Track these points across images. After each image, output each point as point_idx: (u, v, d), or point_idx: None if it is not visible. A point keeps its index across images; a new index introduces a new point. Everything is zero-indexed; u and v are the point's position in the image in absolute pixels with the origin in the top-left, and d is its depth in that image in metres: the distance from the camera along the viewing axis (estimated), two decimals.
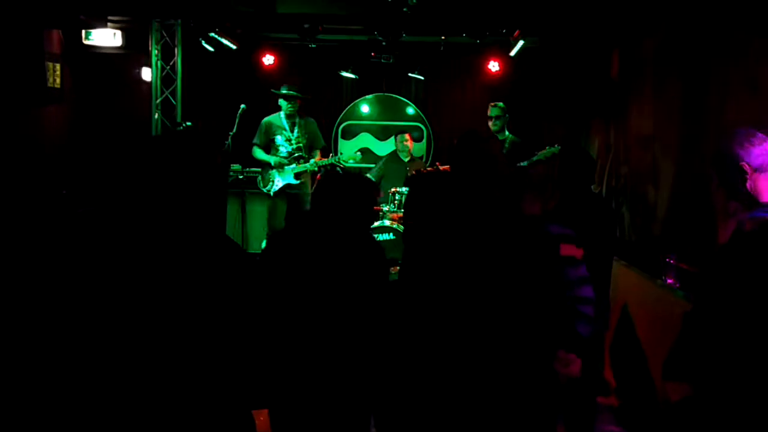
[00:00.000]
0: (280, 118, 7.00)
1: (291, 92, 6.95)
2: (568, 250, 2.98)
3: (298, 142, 6.93)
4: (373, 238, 3.19)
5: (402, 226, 7.06)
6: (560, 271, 2.74)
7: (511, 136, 6.95)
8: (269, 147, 7.02)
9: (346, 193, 2.77)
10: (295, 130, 6.95)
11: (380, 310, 2.66)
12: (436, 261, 2.14)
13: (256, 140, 7.03)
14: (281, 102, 6.97)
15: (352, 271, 2.73)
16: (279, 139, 6.94)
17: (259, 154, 7.00)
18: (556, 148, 6.28)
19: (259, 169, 7.27)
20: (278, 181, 6.97)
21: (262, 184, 7.06)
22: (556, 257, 2.65)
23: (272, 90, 7.25)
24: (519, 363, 2.15)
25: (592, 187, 4.32)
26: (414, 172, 7.73)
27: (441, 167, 7.26)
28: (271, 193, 6.99)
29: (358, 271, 2.74)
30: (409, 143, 8.02)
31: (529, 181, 3.22)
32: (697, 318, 2.19)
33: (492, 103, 7.04)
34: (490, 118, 6.92)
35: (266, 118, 7.11)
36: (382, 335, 2.21)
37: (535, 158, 6.38)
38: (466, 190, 2.40)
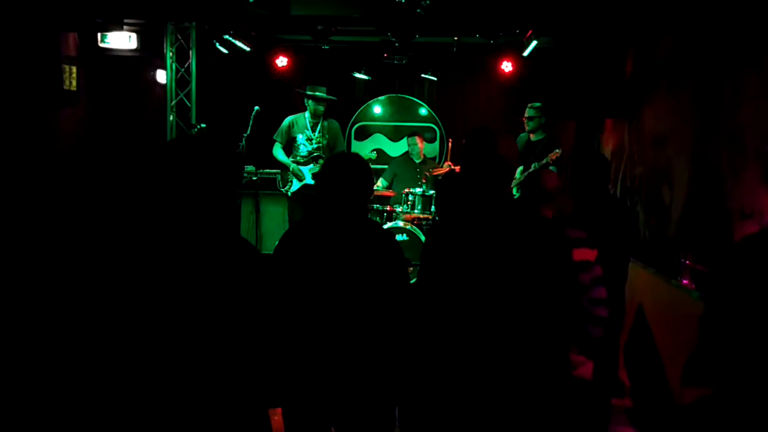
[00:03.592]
0: (304, 117, 7.01)
1: (318, 93, 6.95)
2: (581, 254, 2.96)
3: (318, 143, 6.93)
4: (380, 225, 3.18)
5: (416, 228, 7.08)
6: (574, 275, 2.73)
7: (546, 136, 6.80)
8: (290, 145, 7.04)
9: (341, 168, 2.79)
10: (317, 131, 6.95)
11: (397, 300, 2.66)
12: (453, 261, 2.15)
13: (277, 137, 7.03)
14: (307, 102, 6.98)
15: (364, 257, 2.71)
16: (300, 137, 6.95)
17: (278, 153, 7.00)
18: (558, 150, 6.27)
19: (274, 171, 7.29)
20: (296, 182, 6.99)
21: (280, 184, 7.07)
22: (570, 260, 2.64)
23: (298, 90, 7.24)
24: (532, 363, 2.15)
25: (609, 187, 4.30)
26: (428, 173, 7.75)
27: (453, 167, 7.27)
28: (289, 194, 7.00)
29: (371, 257, 2.73)
30: (420, 145, 8.02)
31: (543, 192, 3.21)
32: (720, 321, 2.17)
33: (529, 104, 6.94)
34: (525, 118, 6.86)
35: (291, 117, 7.12)
36: (402, 330, 2.22)
37: (544, 161, 6.37)
38: (475, 188, 2.39)
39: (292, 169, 6.89)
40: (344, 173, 2.77)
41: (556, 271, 2.32)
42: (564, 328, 2.32)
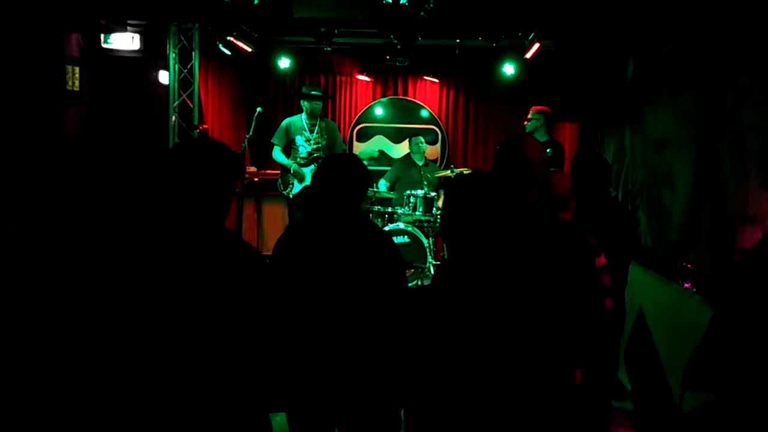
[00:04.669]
0: (301, 119, 7.02)
1: (313, 92, 6.97)
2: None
3: (317, 143, 6.94)
4: (377, 225, 3.19)
5: (417, 230, 7.09)
6: (596, 281, 2.72)
7: (549, 139, 6.74)
8: (289, 148, 7.05)
9: (337, 168, 2.80)
10: (315, 131, 6.96)
11: (398, 301, 2.67)
12: (473, 264, 2.14)
13: (275, 140, 7.02)
14: (303, 102, 6.99)
15: (361, 257, 2.72)
16: (299, 139, 6.96)
17: (278, 155, 7.00)
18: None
19: (276, 172, 7.29)
20: (297, 184, 6.99)
21: (282, 187, 7.06)
22: (593, 266, 2.64)
23: (293, 91, 7.25)
24: (546, 368, 2.14)
25: (610, 190, 4.31)
26: (429, 175, 7.75)
27: (455, 170, 7.28)
28: (290, 196, 6.99)
29: (368, 257, 2.73)
30: (426, 146, 8.07)
31: (555, 197, 3.21)
32: (725, 326, 2.16)
33: (533, 106, 6.89)
34: (526, 120, 6.82)
35: (288, 119, 7.13)
36: (401, 330, 2.22)
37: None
38: (505, 194, 2.40)
39: (294, 170, 6.89)
40: (339, 173, 2.78)
41: (580, 278, 2.33)
42: (579, 335, 2.32)
